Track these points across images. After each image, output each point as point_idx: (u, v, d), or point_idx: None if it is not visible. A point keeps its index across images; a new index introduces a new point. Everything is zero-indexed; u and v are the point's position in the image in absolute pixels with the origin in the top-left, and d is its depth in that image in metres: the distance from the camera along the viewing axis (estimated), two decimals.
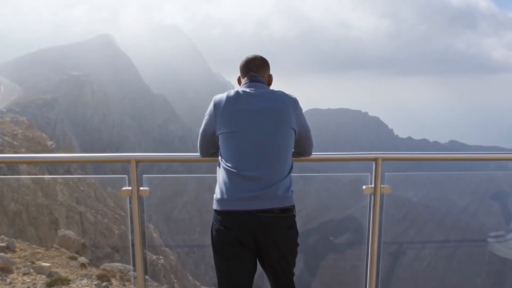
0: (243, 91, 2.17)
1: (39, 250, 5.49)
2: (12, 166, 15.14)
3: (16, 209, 12.74)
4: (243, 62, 2.30)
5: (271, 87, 2.32)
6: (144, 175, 2.75)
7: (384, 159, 2.73)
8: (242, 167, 2.03)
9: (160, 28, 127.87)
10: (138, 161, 2.66)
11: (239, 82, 2.33)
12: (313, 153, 2.46)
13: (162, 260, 15.92)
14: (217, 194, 2.07)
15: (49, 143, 20.28)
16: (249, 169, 2.02)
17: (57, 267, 4.90)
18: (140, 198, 2.67)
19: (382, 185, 2.75)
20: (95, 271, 4.98)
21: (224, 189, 2.03)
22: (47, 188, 14.90)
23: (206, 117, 2.21)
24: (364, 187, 2.77)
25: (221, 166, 2.11)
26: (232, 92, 2.18)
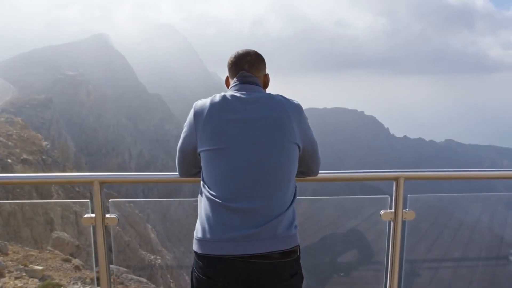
0: (232, 96, 1.71)
1: (32, 253, 5.42)
2: (6, 166, 15.01)
3: (11, 209, 12.64)
4: (232, 59, 1.84)
5: (268, 90, 1.86)
6: (110, 200, 2.33)
7: (407, 178, 2.28)
8: (231, 196, 1.57)
9: (155, 28, 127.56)
10: (102, 183, 2.18)
11: (227, 84, 1.88)
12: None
13: (159, 261, 15.87)
14: (197, 232, 1.61)
15: (44, 143, 20.13)
16: (240, 199, 1.57)
17: (50, 270, 4.82)
18: (106, 227, 2.21)
19: (404, 210, 2.29)
20: (89, 273, 4.91)
21: (207, 226, 1.58)
22: (42, 188, 14.81)
23: (184, 129, 1.75)
24: (382, 212, 2.32)
25: (203, 194, 1.65)
26: (217, 97, 1.72)
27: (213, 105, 1.69)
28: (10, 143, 17.31)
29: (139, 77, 73.66)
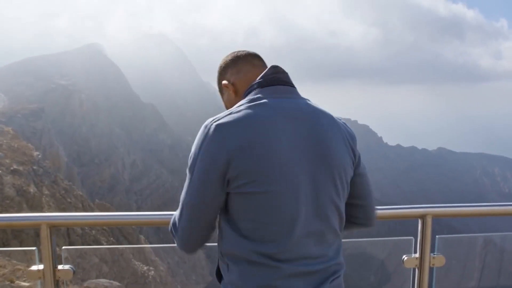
0: (277, 104, 1.18)
1: (19, 267, 5.25)
2: None
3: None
4: (237, 53, 1.36)
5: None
6: (63, 247, 1.94)
7: (435, 216, 1.89)
8: (292, 254, 1.13)
9: (148, 37, 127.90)
10: (52, 226, 1.76)
11: (231, 103, 1.33)
12: None
13: (153, 272, 15.59)
14: None
15: (35, 153, 19.85)
16: (301, 257, 1.13)
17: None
18: (57, 282, 1.79)
19: (432, 254, 1.90)
20: None
21: None
22: (33, 200, 14.54)
23: (199, 170, 1.15)
24: (405, 257, 1.91)
25: (239, 255, 1.15)
26: (254, 109, 1.16)
27: (251, 123, 1.14)
28: (0, 153, 17.04)
29: (132, 86, 73.48)
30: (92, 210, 19.03)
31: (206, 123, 1.17)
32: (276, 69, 1.27)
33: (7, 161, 16.50)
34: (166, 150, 62.53)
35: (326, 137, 1.20)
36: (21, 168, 16.46)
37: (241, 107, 1.17)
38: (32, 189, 15.24)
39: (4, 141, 19.60)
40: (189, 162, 1.18)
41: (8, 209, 12.45)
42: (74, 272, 1.81)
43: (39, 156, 19.91)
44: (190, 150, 1.19)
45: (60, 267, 1.79)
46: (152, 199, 48.47)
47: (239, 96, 1.31)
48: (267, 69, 1.27)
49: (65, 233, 13.36)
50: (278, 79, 1.25)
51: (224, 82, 1.34)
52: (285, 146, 1.13)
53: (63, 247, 1.94)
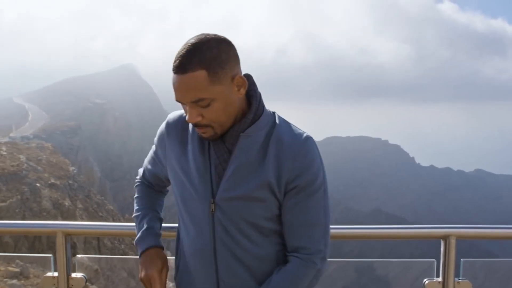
0: None
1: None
2: (34, 190, 15.48)
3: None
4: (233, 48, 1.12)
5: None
6: (77, 256, 2.00)
7: (459, 237, 1.76)
8: None
9: None
10: (67, 234, 1.80)
11: (234, 105, 1.13)
12: (340, 226, 1.73)
13: None
14: None
15: (71, 168, 20.74)
16: None
17: None
18: None
19: (457, 279, 1.77)
20: None
21: None
22: (67, 213, 15.12)
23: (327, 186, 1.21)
24: (426, 281, 1.78)
25: None
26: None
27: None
28: (39, 167, 17.93)
29: (163, 105, 75.75)
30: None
31: (308, 135, 1.14)
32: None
33: (46, 175, 17.32)
34: None
35: None
36: (58, 182, 17.21)
37: (289, 123, 1.18)
38: (67, 202, 15.86)
39: (44, 156, 20.64)
40: (320, 178, 1.14)
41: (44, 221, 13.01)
42: (86, 280, 1.83)
43: (75, 171, 20.77)
44: None
45: (73, 275, 1.82)
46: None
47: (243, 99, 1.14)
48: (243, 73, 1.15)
49: (96, 246, 13.74)
50: None
51: (240, 75, 1.10)
52: None
53: (77, 255, 1.98)
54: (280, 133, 1.14)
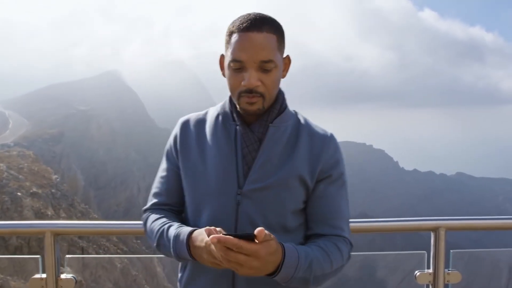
0: None
1: None
2: (15, 199, 15.09)
3: (18, 244, 12.55)
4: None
5: None
6: (66, 256, 1.91)
7: (449, 229, 1.81)
8: None
9: (165, 63, 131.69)
10: (56, 234, 1.76)
11: (277, 84, 1.15)
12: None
13: None
14: None
15: (54, 176, 20.31)
16: None
17: None
18: None
19: (447, 270, 1.81)
20: None
21: None
22: None
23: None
24: (417, 273, 1.83)
25: None
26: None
27: None
28: (21, 176, 17.51)
29: (149, 111, 75.13)
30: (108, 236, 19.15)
31: (331, 132, 1.20)
32: None
33: (27, 184, 16.92)
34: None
35: None
36: (40, 191, 16.83)
37: (312, 121, 1.24)
38: (50, 211, 15.52)
39: (25, 164, 20.17)
40: (346, 173, 1.20)
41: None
42: (76, 282, 1.77)
43: (58, 180, 20.35)
44: None
45: (63, 276, 1.77)
46: None
47: None
48: None
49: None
50: None
51: (288, 56, 1.16)
52: None
53: (66, 256, 1.91)
54: (309, 127, 1.19)
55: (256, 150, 1.13)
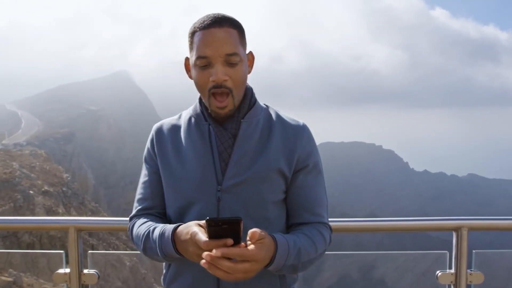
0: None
1: (46, 286, 5.36)
2: (28, 197, 15.33)
3: (30, 241, 12.76)
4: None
5: None
6: (89, 251, 1.92)
7: (471, 229, 1.78)
8: None
9: (174, 63, 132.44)
10: (79, 230, 1.80)
11: (245, 79, 1.17)
12: (349, 219, 1.89)
13: None
14: None
15: (65, 175, 20.57)
16: None
17: None
18: (82, 286, 1.80)
19: (469, 271, 1.79)
20: None
21: None
22: None
23: None
24: (439, 273, 1.80)
25: None
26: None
27: None
28: (33, 174, 17.77)
29: (158, 111, 75.61)
30: (117, 233, 19.32)
31: (303, 122, 1.24)
32: None
33: (39, 182, 17.17)
34: None
35: None
36: (51, 189, 17.07)
37: (280, 112, 1.26)
38: (61, 209, 15.73)
39: (37, 163, 20.47)
40: (320, 161, 1.24)
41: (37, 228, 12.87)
42: (99, 277, 1.80)
43: (69, 178, 20.60)
44: None
45: (85, 271, 1.80)
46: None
47: None
48: None
49: None
50: None
51: (251, 52, 1.20)
52: None
53: (89, 251, 1.92)
54: (281, 119, 1.22)
55: (231, 146, 1.15)
